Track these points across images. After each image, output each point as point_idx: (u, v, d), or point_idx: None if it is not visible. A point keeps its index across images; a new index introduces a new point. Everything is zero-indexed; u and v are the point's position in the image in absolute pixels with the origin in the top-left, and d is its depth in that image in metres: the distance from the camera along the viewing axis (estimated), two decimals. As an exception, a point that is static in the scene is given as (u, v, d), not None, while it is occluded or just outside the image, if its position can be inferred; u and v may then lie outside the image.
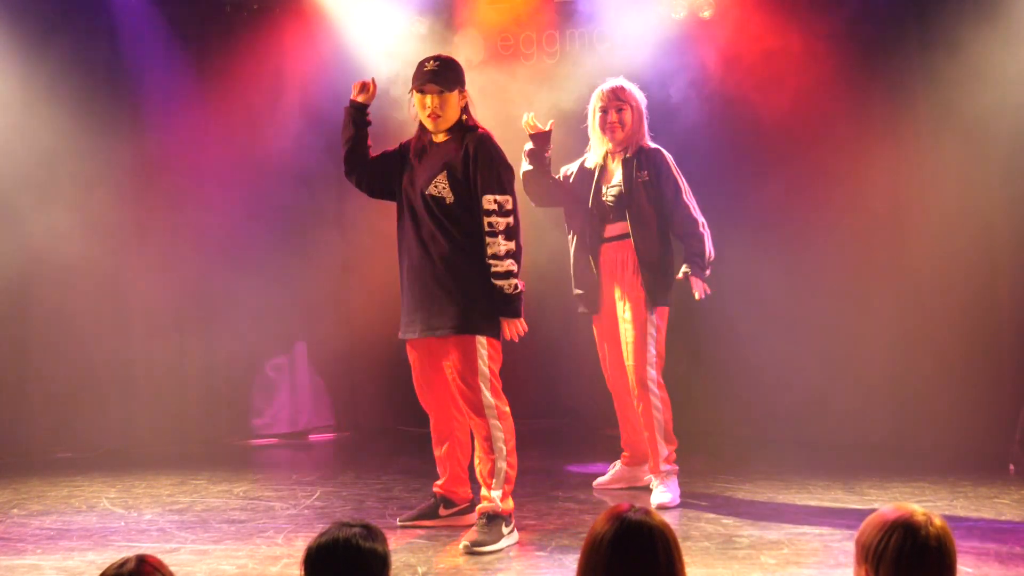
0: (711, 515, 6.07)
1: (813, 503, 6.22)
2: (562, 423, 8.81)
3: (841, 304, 7.90)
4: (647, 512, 2.70)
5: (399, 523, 5.80)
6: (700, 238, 6.26)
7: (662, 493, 6.24)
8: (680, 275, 6.27)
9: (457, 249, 5.46)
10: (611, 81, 6.40)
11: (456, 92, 5.51)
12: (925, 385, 7.63)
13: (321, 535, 2.88)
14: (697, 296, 6.29)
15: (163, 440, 8.18)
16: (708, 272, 6.30)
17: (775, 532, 5.71)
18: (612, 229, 6.33)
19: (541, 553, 5.35)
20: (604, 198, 6.32)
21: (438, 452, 5.83)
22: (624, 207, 6.27)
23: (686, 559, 2.73)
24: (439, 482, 5.87)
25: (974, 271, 7.42)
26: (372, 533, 2.87)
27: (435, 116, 5.49)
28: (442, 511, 5.85)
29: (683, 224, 6.27)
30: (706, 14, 8.15)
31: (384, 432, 8.60)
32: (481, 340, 5.46)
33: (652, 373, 6.24)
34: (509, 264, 5.40)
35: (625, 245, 6.29)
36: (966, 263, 7.45)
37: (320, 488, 6.76)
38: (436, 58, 5.55)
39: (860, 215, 7.81)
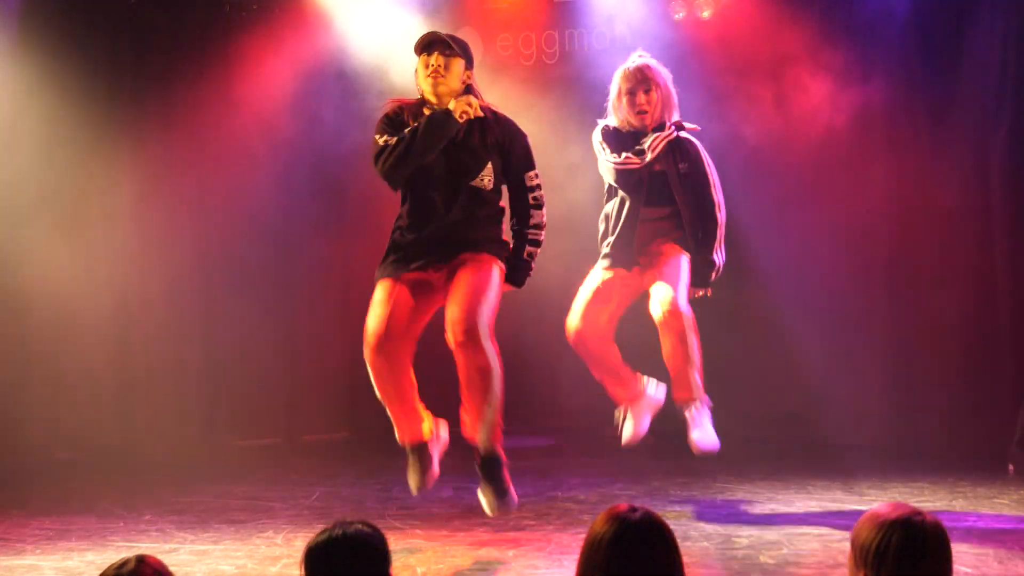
0: (711, 515, 6.07)
1: (812, 503, 6.22)
2: (561, 424, 8.80)
3: (840, 304, 7.90)
4: (647, 512, 2.70)
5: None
6: (713, 245, 6.17)
7: (707, 434, 5.99)
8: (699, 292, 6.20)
9: (481, 225, 5.42)
10: (634, 59, 6.18)
11: (463, 61, 5.42)
12: (924, 385, 7.63)
13: (320, 533, 2.88)
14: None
15: (163, 440, 8.18)
16: (714, 278, 6.22)
17: (774, 532, 5.71)
18: (650, 212, 6.12)
19: (540, 553, 5.35)
20: (645, 182, 6.09)
21: (411, 403, 5.54)
22: (665, 196, 6.12)
23: (685, 559, 2.73)
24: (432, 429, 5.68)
25: (973, 271, 7.42)
26: (372, 531, 2.88)
27: (436, 76, 5.36)
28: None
29: (705, 221, 6.16)
30: (705, 14, 8.15)
31: (383, 432, 8.57)
32: (497, 269, 5.38)
33: (687, 305, 5.98)
34: (543, 235, 5.55)
35: (663, 226, 6.12)
36: (965, 263, 7.45)
37: (319, 488, 6.76)
38: (435, 32, 5.50)
39: (859, 214, 7.81)
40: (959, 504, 6.06)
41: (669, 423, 8.25)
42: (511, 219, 5.56)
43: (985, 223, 7.35)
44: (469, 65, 5.47)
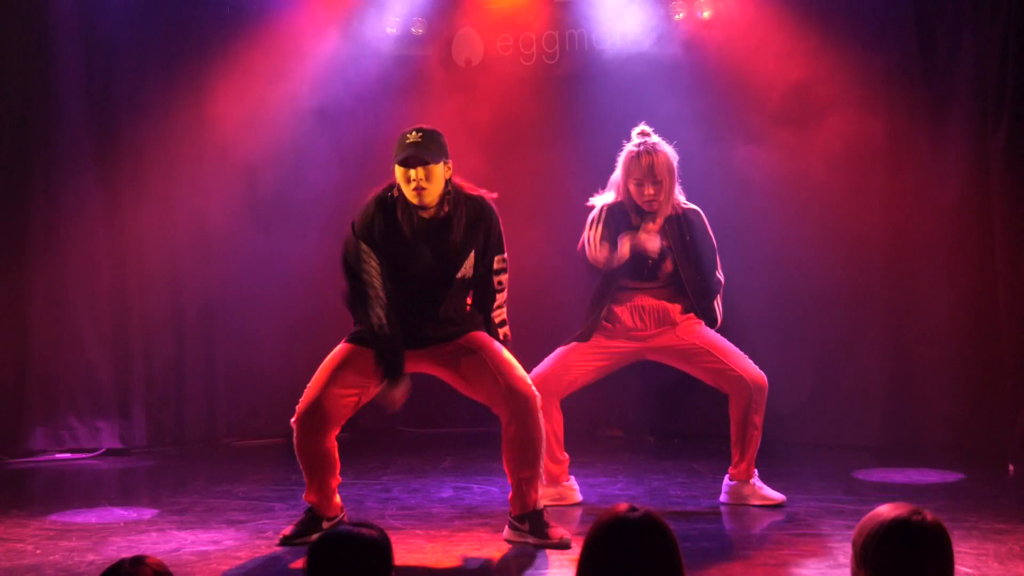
0: (711, 515, 6.07)
1: (813, 503, 6.22)
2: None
3: (839, 304, 7.90)
4: (647, 512, 2.70)
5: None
6: (716, 301, 6.28)
7: (773, 491, 6.20)
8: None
9: (461, 311, 5.56)
10: (638, 142, 6.21)
11: (442, 164, 5.37)
12: (924, 385, 7.63)
13: (324, 533, 2.88)
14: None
15: (163, 440, 8.18)
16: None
17: (775, 532, 5.72)
18: (644, 284, 6.22)
19: (542, 553, 5.34)
20: (644, 257, 6.16)
21: (505, 463, 5.54)
22: (668, 269, 6.20)
23: (685, 559, 2.73)
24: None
25: (972, 270, 7.42)
26: (374, 531, 2.88)
27: (420, 190, 5.33)
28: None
29: (710, 289, 6.26)
30: (705, 14, 8.15)
31: (383, 432, 8.59)
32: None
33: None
34: (505, 311, 5.61)
35: (661, 294, 6.23)
36: (964, 262, 7.45)
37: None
38: (418, 130, 5.39)
39: (857, 213, 7.80)
40: (959, 504, 6.06)
41: (669, 423, 8.29)
42: (472, 300, 5.61)
43: (985, 222, 7.34)
44: (447, 158, 5.42)
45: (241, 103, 8.26)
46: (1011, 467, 6.98)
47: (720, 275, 6.29)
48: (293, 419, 5.51)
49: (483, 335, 5.52)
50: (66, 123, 7.93)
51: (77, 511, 6.27)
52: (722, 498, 6.25)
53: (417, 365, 5.57)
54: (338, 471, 5.61)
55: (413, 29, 8.55)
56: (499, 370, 5.38)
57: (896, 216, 7.72)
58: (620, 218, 6.19)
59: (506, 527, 5.54)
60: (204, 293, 8.36)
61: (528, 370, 5.67)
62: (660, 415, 8.33)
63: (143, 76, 8.13)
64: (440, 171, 5.36)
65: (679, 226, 6.20)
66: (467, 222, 5.45)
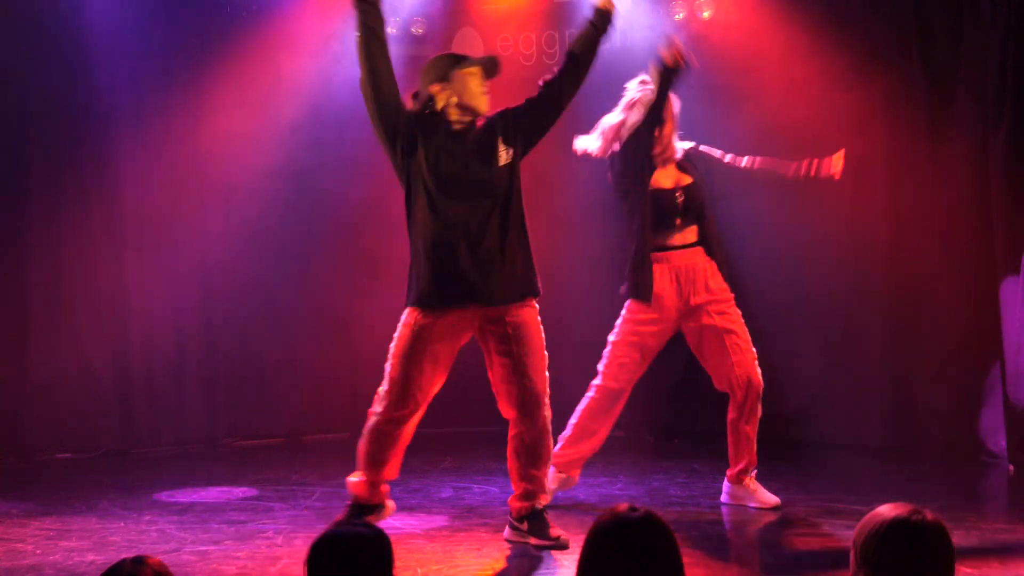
0: (711, 515, 6.07)
1: (813, 503, 6.22)
2: (561, 424, 8.79)
3: (838, 303, 7.90)
4: (647, 512, 2.70)
5: None
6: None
7: (769, 493, 6.19)
8: None
9: (517, 251, 5.43)
10: (638, 87, 6.27)
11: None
12: (925, 385, 7.62)
13: (324, 533, 2.88)
14: None
15: (163, 441, 8.17)
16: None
17: (774, 532, 5.72)
18: (678, 237, 6.22)
19: (542, 553, 5.34)
20: (667, 202, 6.18)
21: (399, 449, 5.55)
22: (696, 211, 6.20)
23: (685, 559, 2.73)
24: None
25: (972, 270, 7.41)
26: (376, 532, 2.88)
27: (488, 95, 5.47)
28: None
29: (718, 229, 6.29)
30: (706, 14, 8.14)
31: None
32: (537, 315, 5.47)
33: None
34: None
35: (695, 252, 6.23)
36: (964, 262, 7.45)
37: (320, 488, 6.76)
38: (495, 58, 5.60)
39: (857, 213, 7.80)
40: (960, 504, 6.05)
41: (669, 423, 8.29)
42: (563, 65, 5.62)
43: (985, 221, 7.33)
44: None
45: (240, 105, 8.25)
46: (1011, 467, 6.97)
47: None
48: (380, 408, 5.43)
49: (531, 316, 5.42)
50: (66, 121, 7.92)
51: (77, 511, 6.27)
52: (722, 498, 6.26)
53: (466, 332, 5.45)
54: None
55: (413, 29, 8.54)
56: (523, 370, 5.34)
57: (897, 217, 7.71)
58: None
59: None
60: (205, 293, 8.34)
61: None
62: (660, 415, 8.33)
63: (141, 76, 8.12)
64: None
65: (691, 165, 6.22)
66: (487, 120, 5.48)
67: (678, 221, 6.20)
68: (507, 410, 5.43)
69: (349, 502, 5.56)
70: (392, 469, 5.54)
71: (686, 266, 6.20)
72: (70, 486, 7.05)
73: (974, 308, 7.43)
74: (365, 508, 5.48)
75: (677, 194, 6.20)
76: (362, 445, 5.49)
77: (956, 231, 7.48)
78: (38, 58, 7.83)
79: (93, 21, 7.95)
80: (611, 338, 6.28)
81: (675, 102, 6.24)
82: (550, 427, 5.44)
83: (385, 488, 5.57)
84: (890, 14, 7.69)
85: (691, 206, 6.20)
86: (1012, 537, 5.41)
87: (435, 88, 5.45)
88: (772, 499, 6.14)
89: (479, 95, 5.44)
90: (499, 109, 5.53)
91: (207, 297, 8.36)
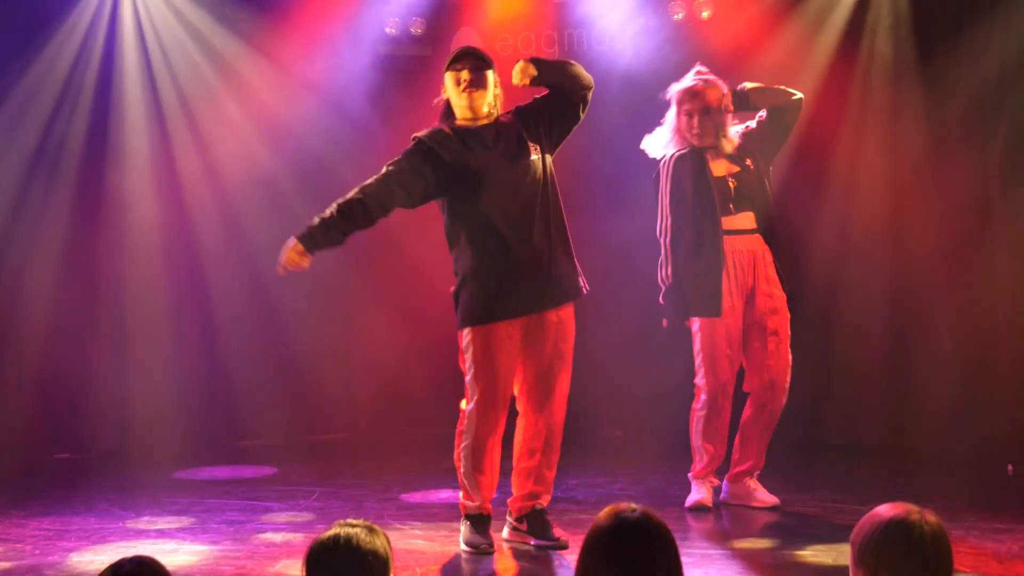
0: (710, 516, 6.06)
1: (812, 503, 6.22)
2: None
3: (838, 304, 7.89)
4: (645, 512, 2.70)
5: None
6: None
7: (768, 493, 6.19)
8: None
9: (563, 250, 5.43)
10: (698, 79, 6.21)
11: (492, 72, 5.44)
12: (922, 385, 7.62)
13: (323, 533, 2.88)
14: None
15: (161, 441, 8.16)
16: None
17: (773, 533, 5.72)
18: (734, 221, 6.14)
19: (541, 553, 5.35)
20: (721, 188, 6.11)
21: (526, 462, 5.50)
22: (750, 196, 6.13)
23: (684, 559, 2.73)
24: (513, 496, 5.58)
25: (971, 271, 7.41)
26: (374, 532, 2.87)
27: (469, 90, 5.36)
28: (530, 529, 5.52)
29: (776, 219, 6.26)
30: (705, 15, 8.14)
31: (383, 433, 8.59)
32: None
33: None
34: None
35: (754, 239, 6.17)
36: (963, 262, 7.44)
37: (319, 489, 6.76)
38: (469, 47, 5.57)
39: (857, 213, 7.80)
40: (958, 504, 6.05)
41: (669, 423, 8.28)
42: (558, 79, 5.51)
43: (984, 222, 7.34)
44: (495, 72, 5.48)
45: (237, 104, 8.25)
46: (1010, 467, 6.97)
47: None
48: (469, 424, 5.39)
49: (571, 321, 5.43)
50: (60, 121, 7.92)
51: (76, 511, 6.27)
52: (722, 497, 6.26)
53: (521, 340, 5.40)
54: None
55: (412, 29, 8.54)
56: (556, 373, 5.38)
57: (897, 218, 7.71)
58: (692, 165, 6.12)
59: (505, 527, 5.53)
60: (203, 294, 8.35)
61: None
62: (660, 415, 8.32)
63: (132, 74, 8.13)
64: (491, 77, 5.43)
65: (741, 149, 6.16)
66: (506, 117, 5.46)
67: (731, 207, 6.14)
68: (527, 414, 5.44)
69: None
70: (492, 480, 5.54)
71: (743, 251, 6.15)
72: (69, 486, 7.05)
73: (973, 310, 7.42)
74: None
75: (730, 181, 6.14)
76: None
77: (955, 234, 7.48)
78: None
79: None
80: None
81: (725, 90, 6.18)
82: (561, 436, 5.49)
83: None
84: (887, 13, 7.68)
85: (744, 192, 6.13)
86: (1010, 537, 5.41)
87: (444, 97, 5.49)
88: (771, 499, 6.14)
89: (458, 95, 5.39)
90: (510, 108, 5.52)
91: (205, 297, 8.36)
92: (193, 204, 8.27)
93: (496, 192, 5.30)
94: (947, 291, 7.51)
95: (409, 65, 8.59)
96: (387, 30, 8.50)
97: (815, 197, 7.91)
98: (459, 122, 5.43)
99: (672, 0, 8.17)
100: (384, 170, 5.37)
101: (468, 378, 5.39)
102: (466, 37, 8.45)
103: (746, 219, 6.14)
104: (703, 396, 6.17)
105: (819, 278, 7.93)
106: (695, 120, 6.12)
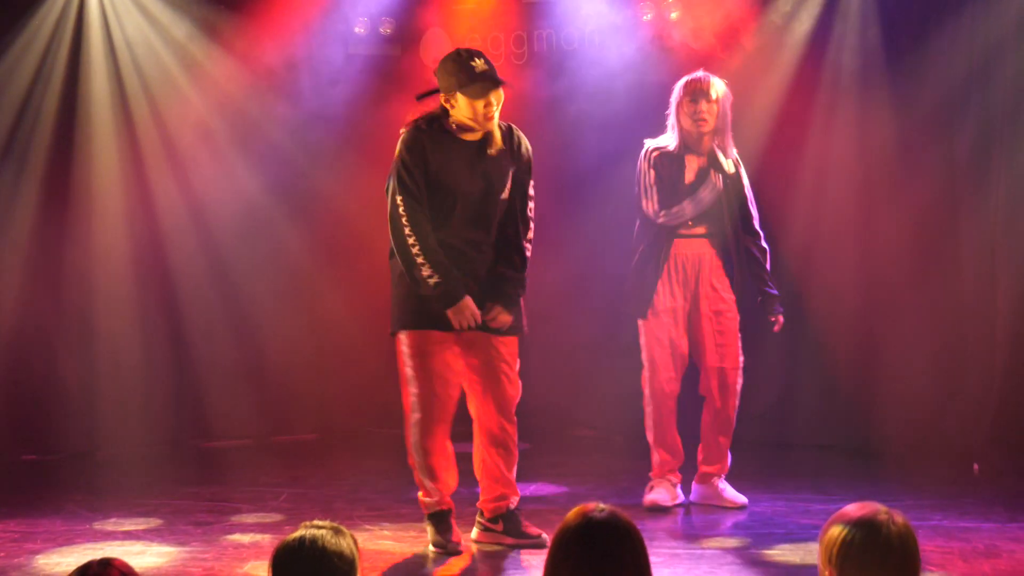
0: (678, 516, 6.08)
1: (780, 503, 6.24)
2: (530, 424, 8.79)
3: (806, 304, 7.92)
4: (613, 512, 2.70)
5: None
6: (768, 265, 6.33)
7: (736, 493, 6.22)
8: (773, 319, 6.29)
9: (513, 248, 5.42)
10: (699, 72, 6.26)
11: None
12: (889, 385, 7.65)
13: (289, 535, 2.87)
14: (777, 328, 6.32)
15: (129, 442, 8.12)
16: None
17: (741, 532, 5.74)
18: (691, 229, 6.19)
19: (510, 553, 5.35)
20: (695, 197, 6.17)
21: (487, 466, 5.56)
22: (710, 207, 6.18)
23: (652, 559, 2.73)
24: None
25: (940, 271, 7.45)
26: (340, 534, 2.87)
27: (491, 115, 5.28)
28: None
29: (751, 244, 6.28)
30: (674, 15, 8.16)
31: (353, 433, 8.57)
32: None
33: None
34: (530, 250, 5.50)
35: (702, 243, 6.21)
36: (932, 262, 7.48)
37: (288, 490, 6.74)
38: (477, 53, 5.32)
39: (826, 214, 7.83)
40: (925, 503, 6.09)
41: (638, 424, 8.28)
42: (507, 230, 5.43)
43: (952, 220, 7.38)
44: None
45: (205, 103, 8.22)
46: (976, 466, 7.02)
47: (765, 244, 6.31)
48: (413, 427, 5.41)
49: (514, 347, 5.48)
50: (26, 120, 7.88)
51: (43, 513, 6.23)
52: (691, 497, 6.28)
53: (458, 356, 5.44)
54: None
55: (381, 29, 8.52)
56: (511, 375, 5.43)
57: (865, 219, 7.74)
58: (669, 165, 6.16)
59: (475, 528, 5.53)
60: (171, 293, 8.30)
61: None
62: (630, 415, 8.32)
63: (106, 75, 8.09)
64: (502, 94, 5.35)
65: (721, 166, 6.18)
66: (507, 141, 5.41)
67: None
68: (484, 423, 5.48)
69: None
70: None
71: (689, 254, 6.19)
72: (35, 488, 7.01)
73: (940, 309, 7.47)
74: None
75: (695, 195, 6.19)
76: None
77: (923, 232, 7.51)
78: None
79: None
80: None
81: (728, 99, 6.20)
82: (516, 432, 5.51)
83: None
84: (856, 12, 7.71)
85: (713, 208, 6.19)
86: (976, 536, 5.45)
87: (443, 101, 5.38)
88: (739, 499, 6.16)
89: (476, 116, 5.28)
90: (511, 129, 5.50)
91: (174, 298, 8.32)
92: (161, 204, 8.22)
93: (463, 213, 5.31)
94: (915, 290, 7.54)
95: (378, 65, 8.58)
96: (356, 30, 8.49)
97: (784, 195, 7.93)
98: (456, 127, 5.34)
99: (641, 0, 8.18)
100: (399, 200, 5.27)
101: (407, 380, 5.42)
102: (435, 38, 8.45)
103: (703, 228, 6.20)
104: (647, 396, 6.24)
105: (788, 276, 7.95)
106: (700, 105, 6.12)
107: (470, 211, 5.32)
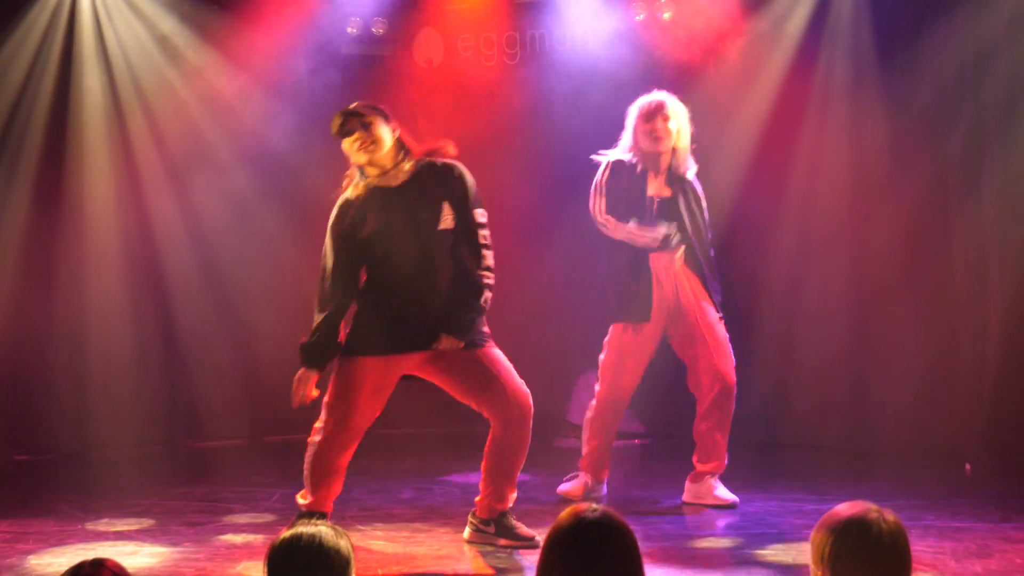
0: (671, 515, 6.08)
1: (773, 503, 6.25)
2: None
3: (799, 305, 7.93)
4: (605, 512, 2.71)
5: None
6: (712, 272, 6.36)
7: (728, 492, 6.25)
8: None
9: (463, 300, 5.38)
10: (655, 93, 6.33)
11: (380, 119, 5.35)
12: (881, 384, 7.67)
13: (283, 534, 2.87)
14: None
15: (121, 443, 8.12)
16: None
17: (733, 532, 5.74)
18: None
19: (502, 553, 5.35)
20: (649, 204, 6.25)
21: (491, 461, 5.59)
22: (669, 220, 6.24)
23: (645, 559, 2.74)
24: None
25: (931, 273, 7.46)
26: (335, 531, 2.87)
27: (366, 147, 5.31)
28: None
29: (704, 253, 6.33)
30: (666, 16, 8.17)
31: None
32: (493, 348, 5.54)
33: None
34: (494, 278, 5.43)
35: (675, 256, 6.27)
36: (923, 264, 7.50)
37: (279, 490, 6.73)
38: (344, 109, 5.42)
39: (819, 213, 7.84)
40: (917, 503, 6.10)
41: (630, 425, 8.29)
42: (462, 261, 5.42)
43: (943, 222, 7.39)
44: (386, 117, 5.39)
45: (197, 104, 8.22)
46: (968, 467, 7.03)
47: (711, 251, 6.38)
48: (317, 439, 5.46)
49: (489, 350, 5.47)
50: (18, 121, 7.87)
51: (35, 514, 6.22)
52: (683, 497, 6.30)
53: (420, 370, 5.50)
54: (343, 482, 5.59)
55: (374, 29, 8.53)
56: (500, 375, 5.40)
57: (859, 218, 7.75)
58: (629, 176, 6.23)
59: (468, 529, 5.54)
60: (163, 293, 8.30)
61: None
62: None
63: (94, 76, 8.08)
64: (380, 125, 5.33)
65: (680, 182, 6.27)
66: (430, 176, 5.40)
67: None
68: (489, 414, 5.49)
69: None
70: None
71: (662, 268, 6.25)
72: (27, 488, 7.00)
73: (933, 309, 7.48)
74: None
75: (655, 201, 6.26)
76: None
77: (915, 234, 7.53)
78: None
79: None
80: None
81: (685, 111, 6.30)
82: (529, 434, 5.50)
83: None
84: (848, 15, 7.73)
85: (665, 216, 6.24)
86: (968, 536, 5.46)
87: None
88: (731, 497, 6.18)
89: (358, 157, 5.37)
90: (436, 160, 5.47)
91: (166, 298, 8.31)
92: (153, 204, 8.22)
93: (402, 250, 5.35)
94: (907, 291, 7.56)
95: (371, 65, 8.58)
96: (349, 30, 8.49)
97: (776, 198, 7.95)
98: (370, 179, 5.40)
99: (634, 1, 8.19)
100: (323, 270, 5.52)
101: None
102: (428, 38, 8.46)
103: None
104: (600, 398, 6.33)
105: (780, 278, 7.97)
106: (655, 123, 6.18)
107: (407, 252, 5.34)
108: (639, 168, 6.24)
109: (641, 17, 8.19)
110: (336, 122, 5.34)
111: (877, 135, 7.64)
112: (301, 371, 5.41)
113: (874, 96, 7.63)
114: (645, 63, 8.09)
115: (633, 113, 6.28)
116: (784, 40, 7.89)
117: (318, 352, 5.39)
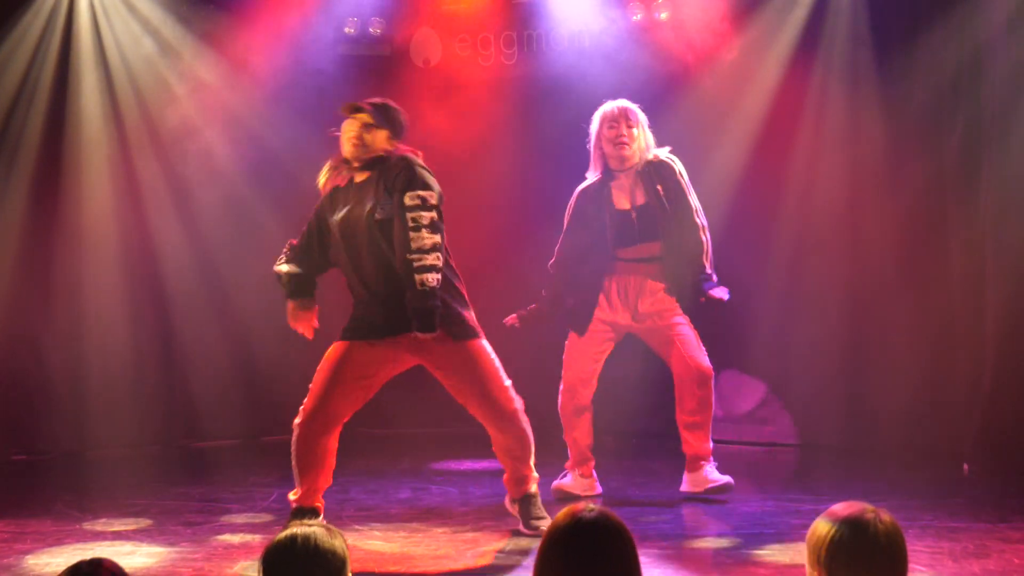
0: (668, 516, 6.08)
1: (770, 503, 6.26)
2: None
3: (796, 305, 7.94)
4: (602, 511, 2.71)
5: None
6: (706, 257, 6.37)
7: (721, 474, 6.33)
8: (711, 296, 6.36)
9: (403, 261, 5.39)
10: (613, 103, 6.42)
11: (385, 132, 5.47)
12: (878, 384, 7.68)
13: (278, 535, 2.87)
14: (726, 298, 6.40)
15: (119, 442, 8.12)
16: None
17: (732, 532, 5.74)
18: (631, 251, 6.35)
19: (500, 553, 5.35)
20: (624, 221, 6.33)
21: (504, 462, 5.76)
22: (654, 228, 6.31)
23: (642, 559, 2.74)
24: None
25: (928, 273, 7.47)
26: (331, 532, 2.87)
27: (355, 143, 5.45)
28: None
29: (693, 244, 6.34)
30: (663, 16, 8.17)
31: (342, 434, 8.55)
32: (478, 343, 5.60)
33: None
34: (430, 259, 5.29)
35: (648, 268, 6.35)
36: (920, 264, 7.50)
37: (277, 490, 6.73)
38: (364, 105, 5.54)
39: (815, 214, 7.85)
40: (914, 503, 6.10)
41: (627, 424, 8.30)
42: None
43: (940, 223, 7.40)
44: (397, 135, 5.50)
45: (195, 103, 8.22)
46: (965, 467, 7.03)
47: (704, 235, 6.37)
48: (297, 420, 5.56)
49: (475, 346, 5.50)
50: (16, 121, 7.87)
51: (33, 513, 6.22)
52: (681, 488, 6.36)
53: (420, 362, 5.57)
54: (331, 473, 5.62)
55: (371, 29, 8.53)
56: (483, 376, 5.47)
57: (855, 219, 7.76)
58: (595, 198, 6.35)
59: (507, 498, 5.77)
60: (161, 293, 8.30)
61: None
62: (618, 415, 8.34)
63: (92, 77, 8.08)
64: (382, 137, 5.47)
65: (651, 177, 6.33)
66: (384, 171, 5.45)
67: (636, 238, 6.36)
68: (482, 422, 5.62)
69: None
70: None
71: (629, 279, 6.36)
72: (25, 488, 7.00)
73: (929, 309, 7.48)
74: None
75: (632, 214, 6.34)
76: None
77: (911, 235, 7.54)
78: None
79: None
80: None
81: (642, 114, 6.39)
82: (526, 427, 5.61)
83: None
84: (845, 15, 7.73)
85: (648, 225, 6.33)
86: (965, 536, 5.46)
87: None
88: (724, 478, 6.25)
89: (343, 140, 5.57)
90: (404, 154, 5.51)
91: (163, 298, 8.32)
92: (151, 204, 8.22)
93: (344, 250, 5.54)
94: (903, 291, 7.56)
95: (368, 65, 8.58)
96: (346, 30, 8.49)
97: (773, 198, 7.96)
98: (350, 169, 5.59)
99: (631, 1, 8.19)
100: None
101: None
102: (425, 38, 8.46)
103: (649, 249, 6.34)
104: (561, 394, 6.55)
105: (776, 278, 7.97)
106: (619, 129, 6.31)
107: (358, 243, 5.46)
108: (606, 184, 6.36)
109: (638, 17, 8.19)
110: (349, 107, 5.52)
111: (874, 135, 7.65)
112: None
113: (871, 96, 7.63)
114: (642, 63, 8.09)
115: (596, 120, 6.39)
116: (782, 39, 7.90)
117: (282, 283, 5.86)
